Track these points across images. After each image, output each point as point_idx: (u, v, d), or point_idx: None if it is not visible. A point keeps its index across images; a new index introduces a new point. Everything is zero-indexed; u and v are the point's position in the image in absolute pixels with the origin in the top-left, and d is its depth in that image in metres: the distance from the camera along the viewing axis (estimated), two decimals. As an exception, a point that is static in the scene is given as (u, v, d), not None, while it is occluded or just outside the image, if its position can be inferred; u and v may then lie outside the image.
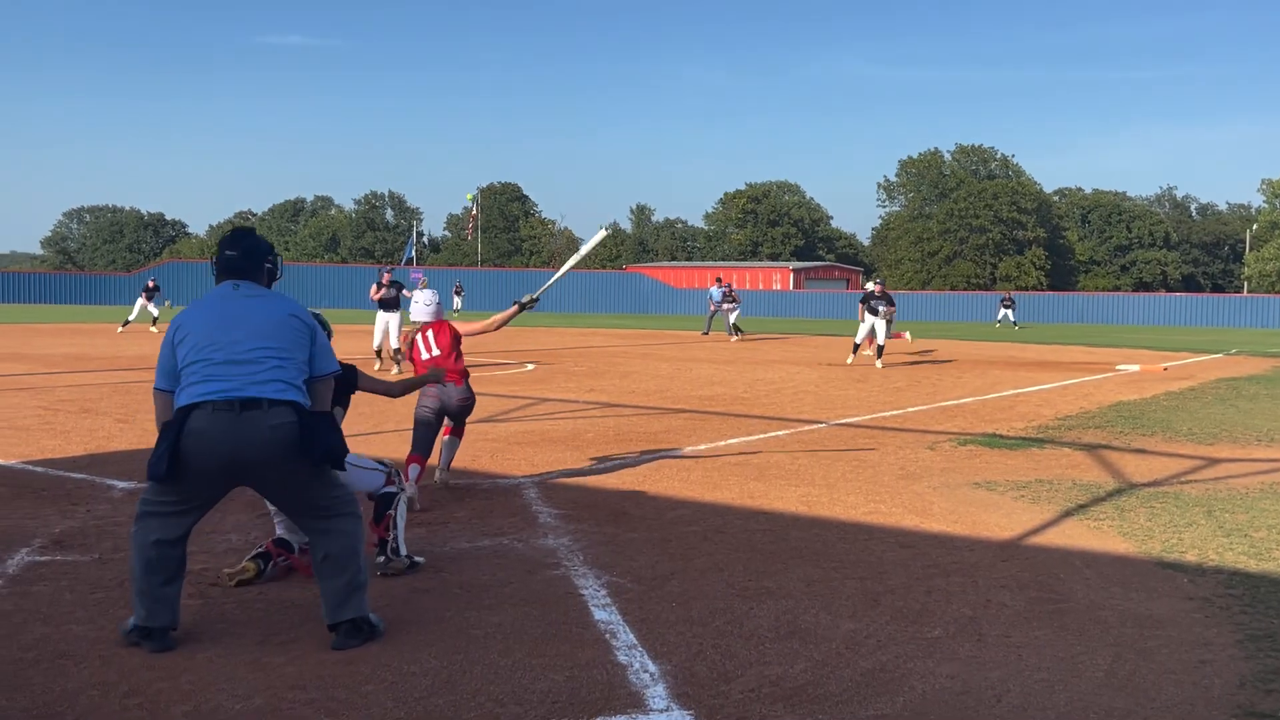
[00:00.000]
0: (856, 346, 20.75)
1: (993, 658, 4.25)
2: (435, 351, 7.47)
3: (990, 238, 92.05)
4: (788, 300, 62.93)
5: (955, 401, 13.86)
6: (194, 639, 4.31)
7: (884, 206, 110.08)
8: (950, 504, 7.21)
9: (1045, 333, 39.49)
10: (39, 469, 8.05)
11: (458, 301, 51.15)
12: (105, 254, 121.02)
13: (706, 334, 31.55)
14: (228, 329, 4.28)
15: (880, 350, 19.94)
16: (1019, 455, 9.33)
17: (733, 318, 30.59)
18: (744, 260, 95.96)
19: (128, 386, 13.96)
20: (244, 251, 4.48)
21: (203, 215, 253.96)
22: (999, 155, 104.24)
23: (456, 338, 7.60)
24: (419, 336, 7.56)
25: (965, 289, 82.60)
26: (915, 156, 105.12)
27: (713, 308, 31.30)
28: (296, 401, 4.27)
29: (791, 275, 79.21)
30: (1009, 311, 46.05)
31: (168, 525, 4.26)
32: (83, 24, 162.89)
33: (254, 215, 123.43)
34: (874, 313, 19.96)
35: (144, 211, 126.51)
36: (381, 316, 17.71)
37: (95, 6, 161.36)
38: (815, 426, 11.15)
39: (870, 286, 21.50)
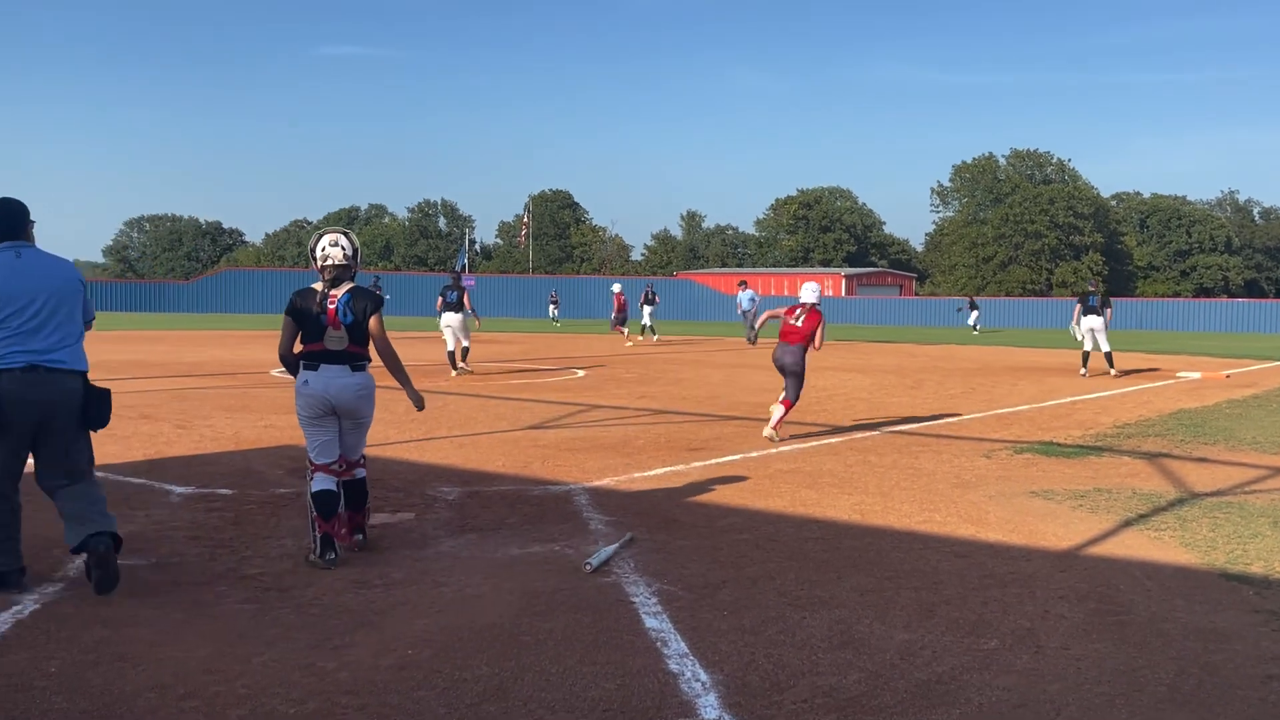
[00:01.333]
0: (1087, 356, 19.37)
1: (1051, 670, 4.17)
2: (800, 325, 10.45)
3: (1046, 243, 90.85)
4: (840, 306, 62.49)
5: (1011, 409, 13.67)
6: (249, 643, 4.36)
7: (937, 212, 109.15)
8: (1007, 513, 7.11)
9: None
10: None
11: (554, 310, 50.92)
12: (164, 262, 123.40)
13: (754, 342, 30.85)
14: (30, 298, 4.91)
15: (1109, 356, 19.15)
16: (1077, 464, 9.18)
17: (646, 318, 30.93)
18: (795, 266, 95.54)
19: (186, 393, 14.18)
20: (13, 213, 5.04)
21: (259, 224, 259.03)
22: (1055, 159, 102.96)
23: (819, 324, 10.43)
24: (797, 312, 10.52)
25: (1021, 295, 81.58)
26: (969, 161, 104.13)
27: (751, 313, 30.56)
28: (85, 371, 5.15)
29: (844, 281, 78.79)
30: (975, 314, 45.39)
31: None
32: (142, 37, 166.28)
33: (309, 223, 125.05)
34: (1095, 313, 18.99)
35: (202, 220, 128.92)
36: (448, 319, 16.68)
37: (155, 20, 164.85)
38: (868, 434, 11.06)
39: (1089, 287, 20.30)
